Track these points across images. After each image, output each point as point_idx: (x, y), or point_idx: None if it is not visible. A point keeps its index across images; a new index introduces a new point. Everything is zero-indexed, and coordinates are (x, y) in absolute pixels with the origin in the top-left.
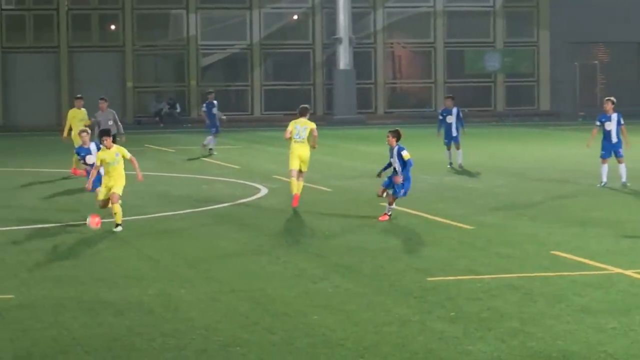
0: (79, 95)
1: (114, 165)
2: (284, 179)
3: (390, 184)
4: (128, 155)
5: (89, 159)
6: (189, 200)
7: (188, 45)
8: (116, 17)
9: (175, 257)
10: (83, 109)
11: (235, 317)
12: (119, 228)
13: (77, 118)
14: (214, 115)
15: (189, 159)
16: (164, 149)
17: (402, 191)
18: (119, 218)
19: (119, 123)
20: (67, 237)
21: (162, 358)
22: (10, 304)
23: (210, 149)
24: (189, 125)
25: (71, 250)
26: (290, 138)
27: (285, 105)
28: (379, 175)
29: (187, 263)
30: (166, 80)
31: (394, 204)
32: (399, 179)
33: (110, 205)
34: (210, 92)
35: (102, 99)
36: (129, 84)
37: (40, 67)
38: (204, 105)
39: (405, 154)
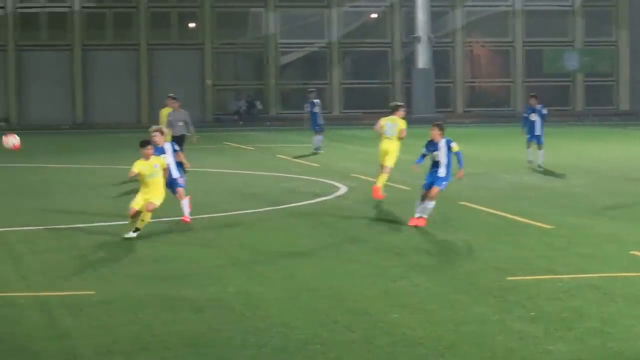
0: (172, 95)
1: (153, 177)
2: (363, 177)
3: (429, 184)
4: (166, 164)
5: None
6: (268, 198)
7: (267, 44)
8: (195, 15)
9: (254, 254)
10: None
11: (314, 315)
12: (135, 234)
13: None
14: (316, 114)
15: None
16: (242, 146)
17: (444, 183)
18: (142, 225)
19: (191, 124)
20: (147, 234)
21: (242, 355)
22: (92, 299)
23: (317, 148)
24: (268, 123)
25: (151, 247)
26: (381, 134)
27: (364, 104)
28: (416, 164)
29: (266, 261)
30: (245, 79)
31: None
32: (461, 173)
33: (141, 212)
34: (312, 91)
35: (173, 98)
36: (208, 82)
37: (120, 65)
38: (307, 105)
39: (454, 146)
